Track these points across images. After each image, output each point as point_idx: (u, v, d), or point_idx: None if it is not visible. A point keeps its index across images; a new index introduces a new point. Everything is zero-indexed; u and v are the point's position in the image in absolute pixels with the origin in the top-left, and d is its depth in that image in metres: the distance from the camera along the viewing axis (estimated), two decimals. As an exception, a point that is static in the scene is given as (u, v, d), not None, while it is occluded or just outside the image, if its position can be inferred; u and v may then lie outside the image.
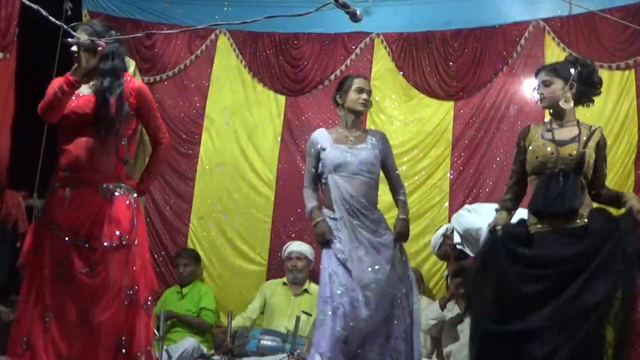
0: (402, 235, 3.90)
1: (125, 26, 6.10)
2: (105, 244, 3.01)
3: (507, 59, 5.76)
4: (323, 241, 3.81)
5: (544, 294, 3.20)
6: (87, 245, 3.00)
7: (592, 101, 3.57)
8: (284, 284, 5.43)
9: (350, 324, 3.62)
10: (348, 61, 6.08)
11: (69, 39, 2.91)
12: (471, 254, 4.67)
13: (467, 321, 4.87)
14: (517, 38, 5.75)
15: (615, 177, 5.25)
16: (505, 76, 5.76)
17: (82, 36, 2.99)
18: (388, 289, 3.74)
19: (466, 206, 4.93)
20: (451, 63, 5.89)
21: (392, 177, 4.03)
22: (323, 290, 3.72)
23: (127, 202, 3.13)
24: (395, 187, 4.03)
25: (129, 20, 6.16)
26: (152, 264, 3.29)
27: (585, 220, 3.28)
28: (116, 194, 3.09)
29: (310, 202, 3.95)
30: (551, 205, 3.31)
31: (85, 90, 3.10)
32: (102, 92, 3.07)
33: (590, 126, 3.45)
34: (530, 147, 3.44)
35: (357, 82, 3.97)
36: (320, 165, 3.93)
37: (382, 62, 6.03)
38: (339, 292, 3.65)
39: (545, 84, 3.48)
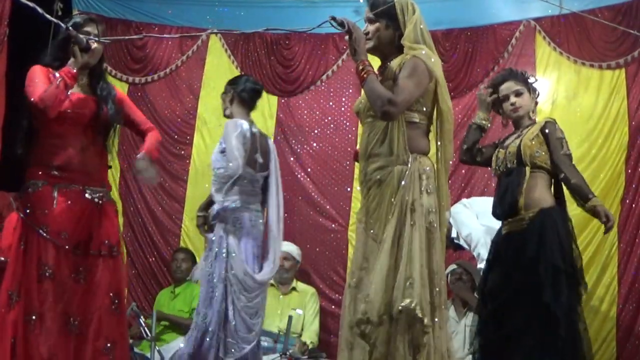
0: None
1: (116, 26, 6.11)
2: (96, 252, 2.96)
3: (499, 58, 5.77)
4: None
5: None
6: (77, 251, 2.93)
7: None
8: (271, 285, 5.45)
9: None
10: (340, 61, 6.09)
11: (70, 29, 2.88)
12: (467, 247, 4.69)
13: (462, 322, 4.89)
14: (508, 38, 5.76)
15: (607, 177, 5.28)
16: (497, 76, 5.78)
17: (94, 29, 3.02)
18: None
19: (463, 200, 4.96)
20: (442, 63, 5.83)
21: None
22: None
23: (114, 210, 3.12)
24: None
25: (119, 21, 6.17)
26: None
27: (529, 221, 3.40)
28: (103, 200, 3.05)
29: None
30: (499, 204, 3.52)
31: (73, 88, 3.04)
32: (106, 95, 3.07)
33: (539, 121, 3.60)
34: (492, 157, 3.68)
35: None
36: None
37: (373, 62, 5.98)
38: None
39: (518, 93, 3.60)
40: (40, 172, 2.97)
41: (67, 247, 2.91)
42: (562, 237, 3.37)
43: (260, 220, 4.04)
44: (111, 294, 2.97)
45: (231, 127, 3.91)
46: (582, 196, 3.37)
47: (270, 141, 4.23)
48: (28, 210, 2.94)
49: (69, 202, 2.96)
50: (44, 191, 2.95)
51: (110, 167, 3.25)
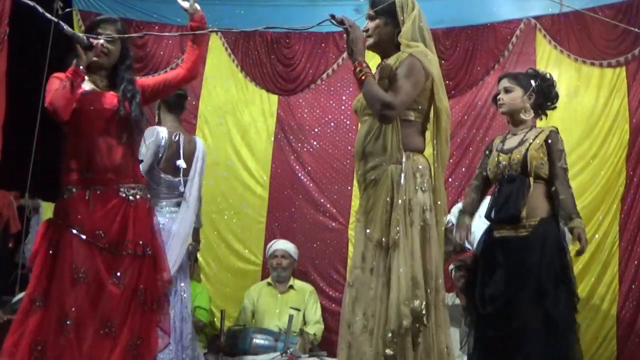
0: None
1: (116, 25, 6.10)
2: (131, 252, 2.95)
3: (499, 57, 5.77)
4: None
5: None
6: (112, 250, 2.92)
7: (546, 114, 3.79)
8: (269, 284, 5.46)
9: None
10: (340, 60, 6.09)
11: (65, 28, 2.84)
12: (470, 247, 4.69)
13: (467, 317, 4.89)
14: (509, 36, 5.76)
15: (607, 175, 5.28)
16: (497, 74, 5.68)
17: (107, 29, 3.02)
18: None
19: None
20: (443, 61, 5.86)
21: None
22: None
23: (148, 206, 3.09)
24: None
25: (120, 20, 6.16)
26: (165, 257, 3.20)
27: (530, 229, 3.45)
28: (137, 196, 3.03)
29: None
30: (499, 211, 3.54)
31: (88, 86, 3.02)
32: (131, 97, 3.04)
33: (543, 128, 3.62)
34: (489, 160, 3.70)
35: None
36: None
37: (374, 61, 5.95)
38: None
39: (507, 90, 3.68)
40: (73, 177, 2.98)
41: (102, 245, 2.90)
42: (560, 247, 3.46)
43: (173, 222, 4.05)
44: (140, 292, 2.96)
45: (147, 134, 3.97)
46: (566, 213, 3.45)
47: (200, 146, 4.24)
48: (62, 215, 2.95)
49: (103, 202, 2.96)
50: (78, 195, 2.95)
51: (141, 161, 3.25)
